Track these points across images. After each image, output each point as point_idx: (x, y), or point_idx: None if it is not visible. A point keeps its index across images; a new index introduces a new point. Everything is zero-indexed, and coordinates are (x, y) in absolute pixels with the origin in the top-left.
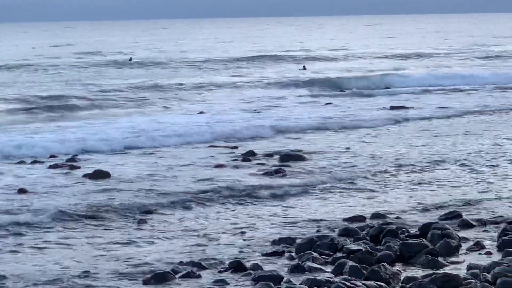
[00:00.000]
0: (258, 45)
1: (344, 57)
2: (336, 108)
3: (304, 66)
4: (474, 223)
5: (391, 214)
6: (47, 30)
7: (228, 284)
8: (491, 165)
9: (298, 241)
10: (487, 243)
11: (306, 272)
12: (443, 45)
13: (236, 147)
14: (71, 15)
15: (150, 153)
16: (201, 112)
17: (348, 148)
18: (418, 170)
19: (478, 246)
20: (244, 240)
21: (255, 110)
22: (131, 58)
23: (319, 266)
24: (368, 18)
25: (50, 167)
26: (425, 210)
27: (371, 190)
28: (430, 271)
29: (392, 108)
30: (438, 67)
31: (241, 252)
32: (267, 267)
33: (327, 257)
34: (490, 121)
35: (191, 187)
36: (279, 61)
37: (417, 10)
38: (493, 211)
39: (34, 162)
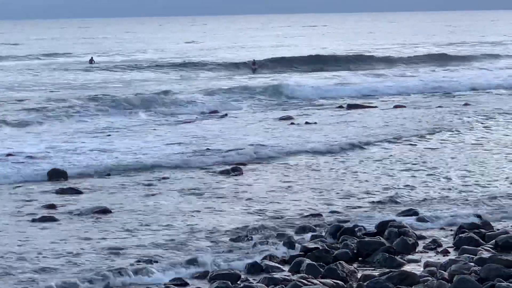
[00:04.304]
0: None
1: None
2: None
3: (254, 67)
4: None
5: (348, 211)
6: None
7: (186, 283)
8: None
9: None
10: (443, 241)
11: (263, 271)
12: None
13: None
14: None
15: None
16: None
17: None
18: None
19: (435, 244)
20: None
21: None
22: (91, 59)
23: (276, 265)
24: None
25: None
26: (382, 208)
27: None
28: (387, 269)
29: None
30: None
31: (198, 250)
32: (224, 265)
33: (284, 255)
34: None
35: None
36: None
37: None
38: (449, 209)
39: None
